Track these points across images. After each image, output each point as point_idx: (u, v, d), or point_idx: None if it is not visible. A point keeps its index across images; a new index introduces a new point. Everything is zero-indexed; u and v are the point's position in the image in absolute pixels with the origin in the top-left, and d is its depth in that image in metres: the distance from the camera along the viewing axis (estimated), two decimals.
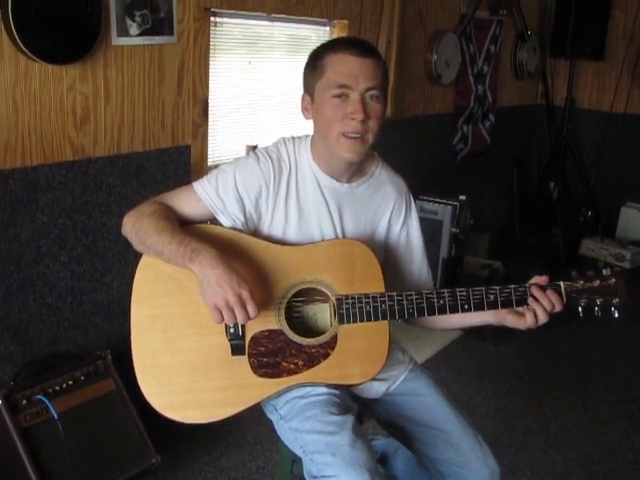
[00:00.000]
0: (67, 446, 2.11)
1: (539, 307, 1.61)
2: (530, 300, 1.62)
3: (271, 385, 1.60)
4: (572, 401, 3.23)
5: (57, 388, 2.17)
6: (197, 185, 1.67)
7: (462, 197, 3.91)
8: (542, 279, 1.65)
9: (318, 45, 1.70)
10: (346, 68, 1.59)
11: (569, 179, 5.03)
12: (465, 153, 4.56)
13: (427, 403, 1.78)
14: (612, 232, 4.94)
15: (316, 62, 1.65)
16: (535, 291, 1.62)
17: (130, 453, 2.28)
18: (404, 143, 3.85)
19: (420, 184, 3.88)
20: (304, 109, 1.71)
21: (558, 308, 1.62)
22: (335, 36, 3.41)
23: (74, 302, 2.48)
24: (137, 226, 1.60)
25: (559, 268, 4.73)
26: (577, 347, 3.80)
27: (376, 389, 1.78)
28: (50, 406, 2.11)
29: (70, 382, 2.21)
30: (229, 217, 1.65)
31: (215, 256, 1.47)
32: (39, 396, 2.12)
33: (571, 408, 3.17)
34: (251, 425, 2.77)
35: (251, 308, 1.45)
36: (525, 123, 5.32)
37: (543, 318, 1.61)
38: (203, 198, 1.65)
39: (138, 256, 1.63)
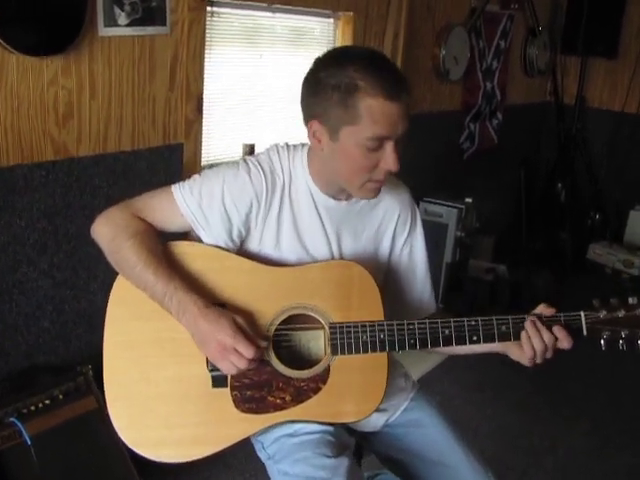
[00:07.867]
0: (41, 473, 1.95)
1: (537, 342, 1.51)
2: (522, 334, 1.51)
3: (255, 421, 1.46)
4: (580, 419, 3.08)
5: (32, 408, 2.01)
6: (178, 193, 1.48)
7: (468, 199, 3.79)
8: (548, 311, 1.51)
9: (341, 58, 1.42)
10: (386, 119, 1.38)
11: (577, 180, 4.89)
12: (472, 152, 4.41)
13: (431, 435, 1.64)
14: (620, 236, 4.83)
15: (347, 100, 1.37)
16: (529, 327, 1.49)
17: (112, 478, 2.12)
18: (409, 141, 3.67)
19: (425, 184, 3.75)
20: (316, 140, 1.47)
21: (565, 345, 1.50)
22: (340, 29, 3.26)
23: (54, 311, 2.33)
24: (113, 247, 1.45)
25: (565, 273, 4.60)
26: (584, 361, 3.61)
27: (374, 422, 1.63)
28: (23, 430, 1.96)
29: (47, 401, 2.05)
30: (211, 235, 1.49)
31: (198, 312, 1.37)
32: (12, 418, 1.96)
33: (579, 427, 3.02)
34: (242, 444, 2.62)
35: (242, 348, 1.35)
36: (533, 121, 5.17)
37: (540, 349, 1.52)
38: (184, 212, 1.48)
39: None
